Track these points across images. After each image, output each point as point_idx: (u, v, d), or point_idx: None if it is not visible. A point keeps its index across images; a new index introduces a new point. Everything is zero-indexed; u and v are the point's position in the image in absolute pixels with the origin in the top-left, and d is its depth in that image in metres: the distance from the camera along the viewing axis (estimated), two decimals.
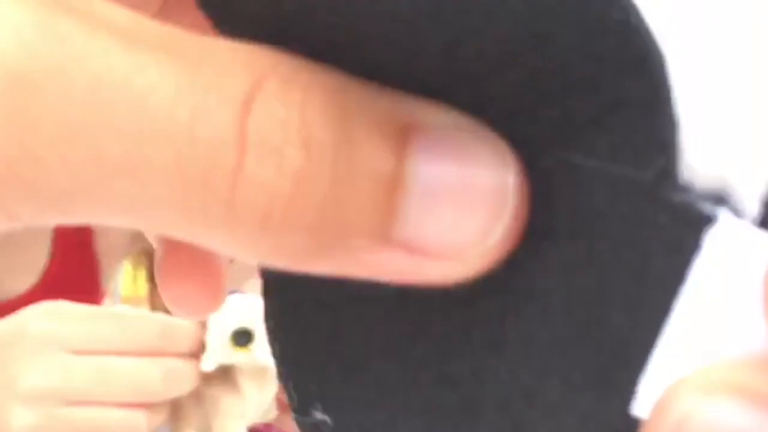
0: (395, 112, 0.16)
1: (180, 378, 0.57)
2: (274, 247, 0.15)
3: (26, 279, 0.96)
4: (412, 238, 0.16)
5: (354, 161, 0.15)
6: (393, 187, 0.15)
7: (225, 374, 0.60)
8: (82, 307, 0.58)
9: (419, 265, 0.16)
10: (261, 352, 0.57)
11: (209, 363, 0.58)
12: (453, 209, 0.16)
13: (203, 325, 0.59)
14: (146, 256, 1.10)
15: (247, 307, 0.59)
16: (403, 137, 0.16)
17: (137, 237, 1.04)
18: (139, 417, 0.56)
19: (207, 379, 0.60)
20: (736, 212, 0.16)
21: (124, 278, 1.10)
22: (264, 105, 0.15)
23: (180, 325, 0.58)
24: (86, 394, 0.54)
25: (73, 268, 0.99)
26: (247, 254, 0.15)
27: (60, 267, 0.97)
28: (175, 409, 0.61)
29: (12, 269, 0.94)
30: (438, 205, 0.16)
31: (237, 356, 0.58)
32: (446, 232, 0.16)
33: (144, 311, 0.59)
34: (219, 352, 0.58)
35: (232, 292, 0.59)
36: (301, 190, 0.15)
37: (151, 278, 1.10)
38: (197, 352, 0.58)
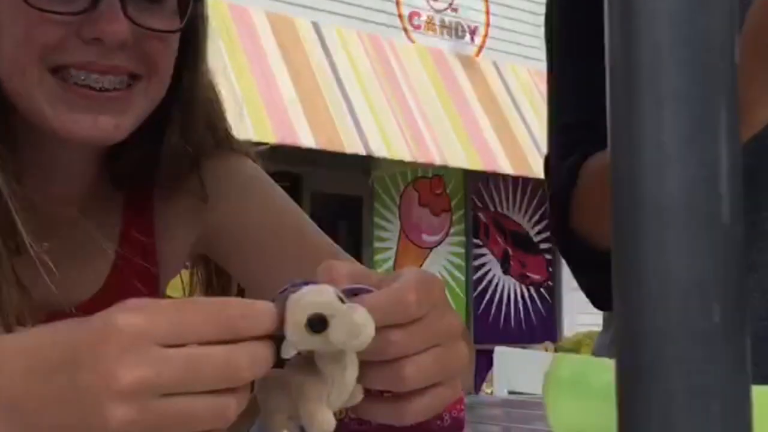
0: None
1: (264, 360, 0.59)
2: None
3: (89, 288, 0.97)
4: None
5: None
6: None
7: (305, 360, 0.62)
8: (165, 301, 0.59)
9: None
10: (336, 336, 0.60)
11: (288, 350, 0.61)
12: None
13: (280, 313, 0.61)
14: (203, 263, 1.11)
15: (321, 293, 0.61)
16: None
17: (196, 243, 1.06)
18: (229, 401, 0.58)
19: (290, 366, 0.62)
20: None
21: (177, 283, 1.12)
22: None
23: (258, 305, 0.60)
24: (179, 385, 0.56)
25: (135, 277, 1.00)
26: None
27: (122, 277, 0.99)
28: (264, 396, 0.63)
29: (77, 278, 0.95)
30: None
31: (314, 342, 0.60)
32: None
33: (225, 297, 0.61)
34: (296, 339, 0.60)
35: (305, 283, 0.62)
36: None
37: (208, 284, 1.12)
38: (276, 330, 0.60)
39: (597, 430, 0.48)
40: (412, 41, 8.18)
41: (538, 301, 9.02)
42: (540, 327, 8.89)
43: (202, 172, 1.03)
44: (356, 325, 0.61)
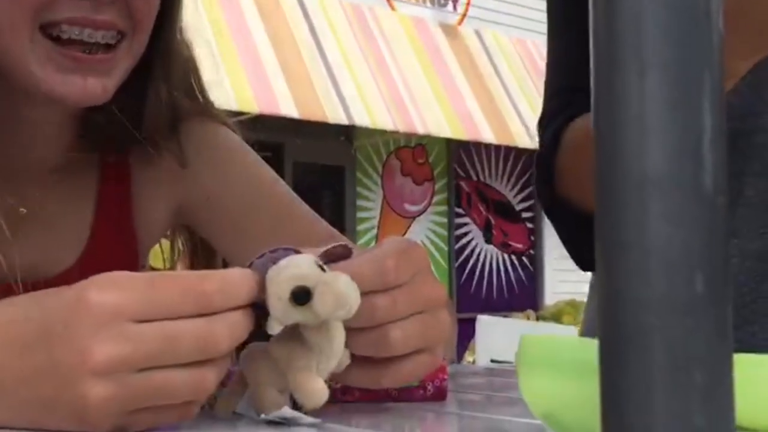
0: None
1: (242, 329, 0.59)
2: None
3: (67, 256, 0.96)
4: None
5: None
6: None
7: (291, 330, 0.62)
8: (139, 275, 0.59)
9: None
10: (322, 307, 0.60)
11: (273, 327, 0.60)
12: None
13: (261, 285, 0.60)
14: (187, 233, 1.11)
15: (300, 265, 0.61)
16: None
17: (176, 213, 1.05)
18: (207, 372, 0.58)
19: (275, 338, 0.62)
20: None
21: (157, 252, 1.11)
22: None
23: (236, 277, 0.59)
24: (155, 359, 0.56)
25: (113, 244, 0.99)
26: None
27: (100, 244, 0.98)
28: (251, 371, 0.63)
29: (53, 247, 0.95)
30: None
31: (299, 315, 0.60)
32: None
33: (204, 270, 0.60)
34: (281, 314, 0.60)
35: (284, 249, 0.62)
36: None
37: (192, 254, 1.11)
38: (255, 298, 0.60)
39: (572, 407, 0.49)
40: (394, 10, 8.15)
41: (520, 270, 9.06)
42: (522, 295, 8.93)
43: (182, 136, 1.02)
44: (341, 294, 0.60)
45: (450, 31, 8.35)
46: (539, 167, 1.06)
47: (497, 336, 3.55)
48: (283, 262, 0.61)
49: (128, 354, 0.55)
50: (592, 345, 0.30)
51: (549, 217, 1.07)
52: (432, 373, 0.76)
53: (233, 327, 0.58)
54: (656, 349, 0.28)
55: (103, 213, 1.00)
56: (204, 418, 0.64)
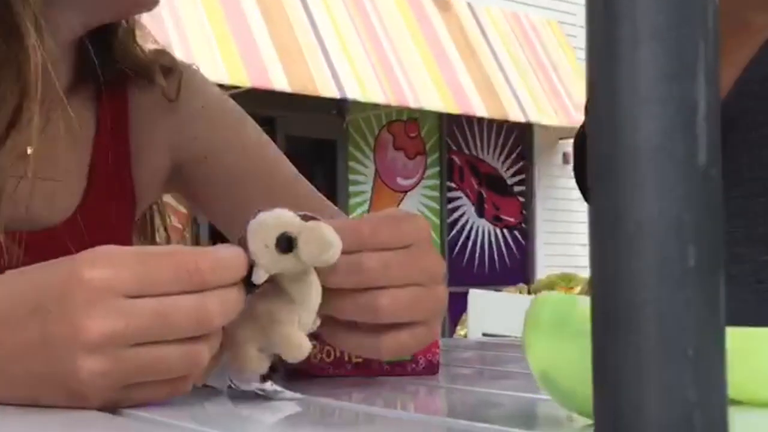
0: None
1: (235, 304, 0.59)
2: None
3: (64, 208, 0.96)
4: None
5: None
6: None
7: (273, 285, 0.62)
8: (132, 250, 0.58)
9: None
10: (307, 252, 0.60)
11: (260, 276, 0.60)
12: None
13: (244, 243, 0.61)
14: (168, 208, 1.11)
15: (280, 216, 0.61)
16: None
17: (174, 165, 1.04)
18: (200, 347, 0.58)
19: (256, 296, 0.62)
20: None
21: None
22: None
23: (229, 255, 0.59)
24: (148, 335, 0.56)
25: (110, 198, 0.98)
26: None
27: (97, 197, 0.97)
28: (232, 329, 0.62)
29: (50, 198, 0.94)
30: None
31: (284, 262, 0.60)
32: None
33: (196, 247, 0.60)
34: (266, 262, 0.60)
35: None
36: None
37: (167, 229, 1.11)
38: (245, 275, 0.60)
39: (576, 369, 0.49)
40: None
41: (511, 244, 9.07)
42: (514, 269, 8.95)
43: (181, 78, 1.02)
44: (325, 238, 0.61)
45: (442, 4, 8.31)
46: (575, 150, 1.07)
47: (489, 310, 3.55)
48: (262, 215, 0.61)
49: (121, 329, 0.55)
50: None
51: (584, 198, 1.07)
52: (424, 347, 0.76)
53: (226, 303, 0.58)
54: (648, 322, 0.27)
55: (100, 165, 0.99)
56: (197, 396, 0.64)
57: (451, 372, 0.87)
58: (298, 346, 0.62)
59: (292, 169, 1.06)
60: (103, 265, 0.56)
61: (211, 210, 1.07)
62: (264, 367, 0.63)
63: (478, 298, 3.78)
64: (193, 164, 1.04)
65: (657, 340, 0.27)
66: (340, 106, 7.79)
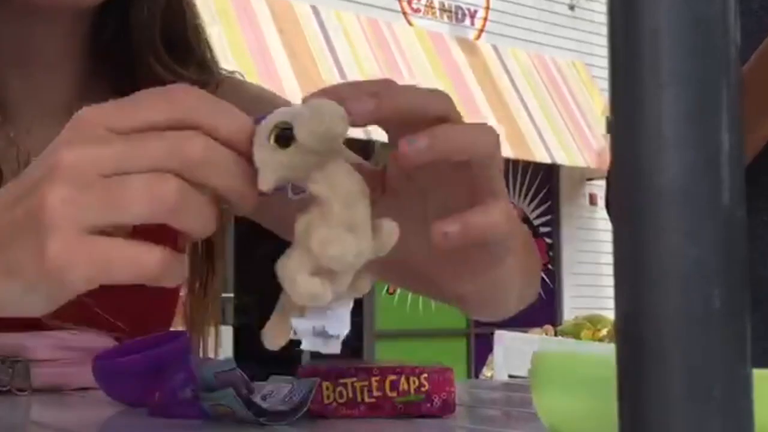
0: None
1: (225, 156, 0.52)
2: None
3: None
4: None
5: None
6: None
7: (307, 205, 0.54)
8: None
9: None
10: (306, 137, 0.52)
11: (267, 178, 0.52)
12: None
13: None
14: None
15: (284, 111, 0.53)
16: None
17: None
18: (168, 181, 0.51)
19: (297, 220, 0.54)
20: None
21: None
22: None
23: (230, 108, 0.53)
24: (122, 161, 0.51)
25: None
26: None
27: None
28: (280, 267, 0.53)
29: None
30: None
31: (288, 157, 0.52)
32: None
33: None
34: (269, 158, 0.52)
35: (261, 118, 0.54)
36: None
37: (192, 253, 1.11)
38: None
39: (584, 422, 0.48)
40: (411, 25, 8.17)
41: None
42: (540, 311, 8.90)
43: (218, 88, 1.03)
44: (320, 108, 0.53)
45: (467, 46, 8.36)
46: (608, 183, 1.07)
47: (516, 351, 3.53)
48: (268, 117, 0.53)
49: (95, 153, 0.51)
50: (602, 360, 0.30)
51: None
52: (438, 385, 0.75)
53: (207, 142, 0.51)
54: (674, 364, 0.27)
55: None
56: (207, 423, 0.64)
57: (476, 412, 0.86)
58: (342, 244, 0.53)
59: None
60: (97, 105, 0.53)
61: (260, 212, 1.06)
62: (321, 291, 0.52)
63: (504, 339, 3.75)
64: None
65: (683, 382, 0.27)
66: (366, 149, 7.82)
